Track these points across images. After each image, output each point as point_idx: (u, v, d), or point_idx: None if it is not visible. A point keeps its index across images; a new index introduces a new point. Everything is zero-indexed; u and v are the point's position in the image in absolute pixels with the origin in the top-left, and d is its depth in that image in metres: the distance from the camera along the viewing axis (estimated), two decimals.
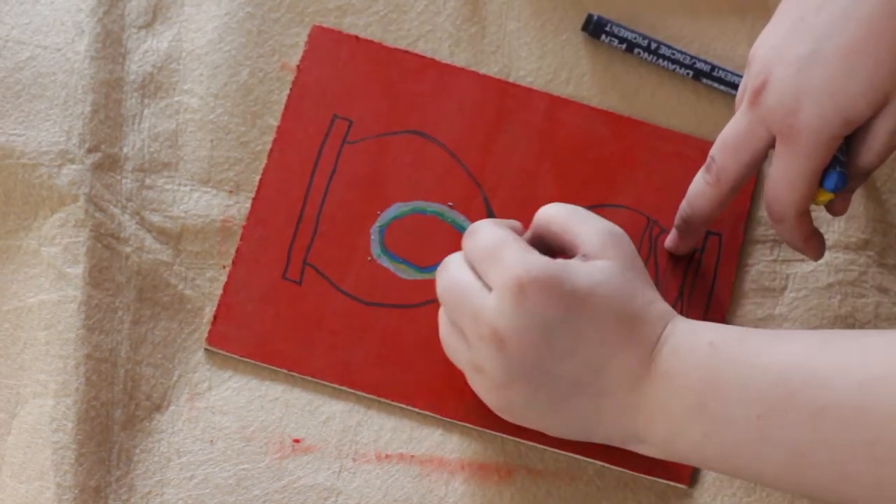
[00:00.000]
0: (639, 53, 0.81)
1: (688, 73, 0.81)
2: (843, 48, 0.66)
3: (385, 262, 0.75)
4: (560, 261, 0.65)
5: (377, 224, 0.76)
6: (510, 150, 0.78)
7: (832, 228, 0.79)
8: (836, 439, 0.59)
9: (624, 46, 0.81)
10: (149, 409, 0.71)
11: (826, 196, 0.70)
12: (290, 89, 0.78)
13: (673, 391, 0.64)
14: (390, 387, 0.72)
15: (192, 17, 0.80)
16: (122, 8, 0.78)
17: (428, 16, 0.81)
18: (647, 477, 0.73)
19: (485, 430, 0.72)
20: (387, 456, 0.72)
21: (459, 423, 0.73)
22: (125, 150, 0.75)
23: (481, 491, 0.72)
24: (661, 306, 0.66)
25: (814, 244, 0.72)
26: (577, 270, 0.64)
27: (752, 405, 0.62)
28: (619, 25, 0.81)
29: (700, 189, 0.73)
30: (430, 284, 0.74)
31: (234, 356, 0.72)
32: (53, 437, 0.68)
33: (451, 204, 0.77)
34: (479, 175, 0.77)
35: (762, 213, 0.79)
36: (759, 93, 0.68)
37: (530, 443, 0.72)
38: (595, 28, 0.81)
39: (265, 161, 0.76)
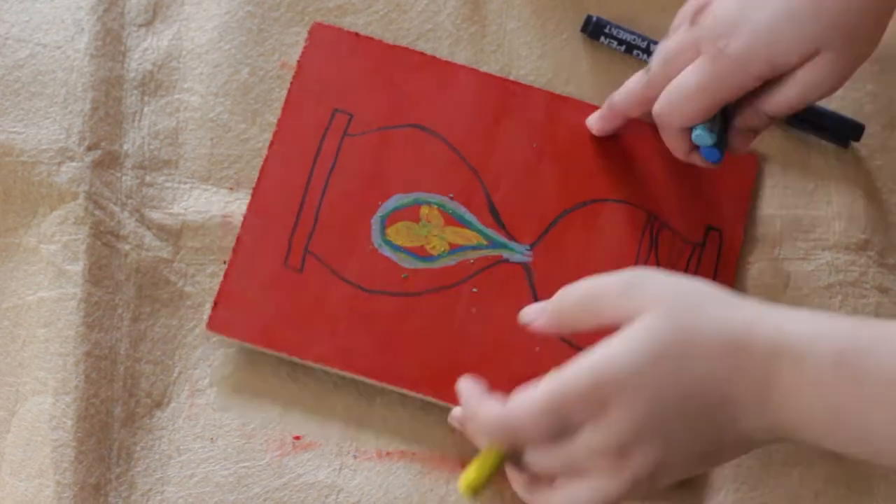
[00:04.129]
0: (638, 55, 0.81)
1: None
2: None
3: (387, 252, 0.75)
4: (599, 352, 0.58)
5: (378, 214, 0.76)
6: (510, 145, 0.78)
7: (833, 228, 0.79)
8: None
9: (623, 48, 0.81)
10: (149, 406, 0.71)
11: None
12: (291, 84, 0.78)
13: (804, 410, 0.58)
14: (392, 373, 0.72)
15: (192, 16, 0.79)
16: (122, 6, 0.78)
17: (428, 15, 0.81)
18: None
19: None
20: (388, 453, 0.72)
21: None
22: (125, 147, 0.75)
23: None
24: (741, 313, 0.59)
25: (698, 159, 0.73)
26: (620, 349, 0.58)
27: (890, 418, 0.56)
28: (618, 27, 0.81)
29: (632, 85, 0.74)
30: (432, 273, 0.74)
31: (236, 341, 0.72)
32: (53, 434, 0.68)
33: (451, 195, 0.76)
34: (479, 168, 0.77)
35: (763, 211, 0.79)
36: (699, 12, 0.69)
37: None
38: (594, 29, 0.81)
39: (266, 153, 0.76)
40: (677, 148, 0.73)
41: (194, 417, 0.71)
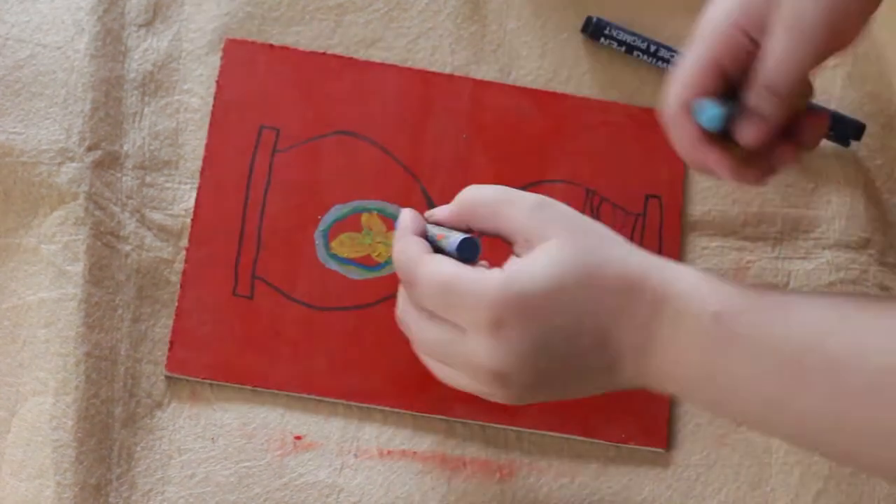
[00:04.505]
0: (638, 55, 0.81)
1: None
2: None
3: (333, 266, 0.75)
4: (511, 272, 0.60)
5: (320, 228, 0.75)
6: (440, 138, 0.78)
7: (833, 227, 0.79)
8: (852, 423, 0.57)
9: (623, 49, 0.81)
10: (149, 406, 0.71)
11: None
12: (213, 105, 0.77)
13: (678, 363, 0.60)
14: (357, 389, 0.72)
15: (192, 17, 0.79)
16: (122, 6, 0.78)
17: (429, 14, 0.81)
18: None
19: (458, 419, 0.73)
20: (389, 453, 0.72)
21: (430, 416, 0.73)
22: (125, 147, 0.75)
23: (483, 488, 0.72)
24: (637, 258, 0.61)
25: (710, 156, 0.66)
26: (533, 274, 0.59)
27: (761, 384, 0.59)
28: (618, 28, 0.81)
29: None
30: (382, 282, 0.74)
31: (196, 380, 0.72)
32: (53, 434, 0.68)
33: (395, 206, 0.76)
34: (413, 167, 0.77)
35: (764, 209, 0.79)
36: None
37: (503, 426, 0.73)
38: (594, 30, 0.81)
39: (198, 181, 0.76)
40: (682, 134, 0.66)
41: (195, 417, 0.71)
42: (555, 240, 0.60)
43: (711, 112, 0.64)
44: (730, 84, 0.65)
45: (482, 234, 0.64)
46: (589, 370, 0.62)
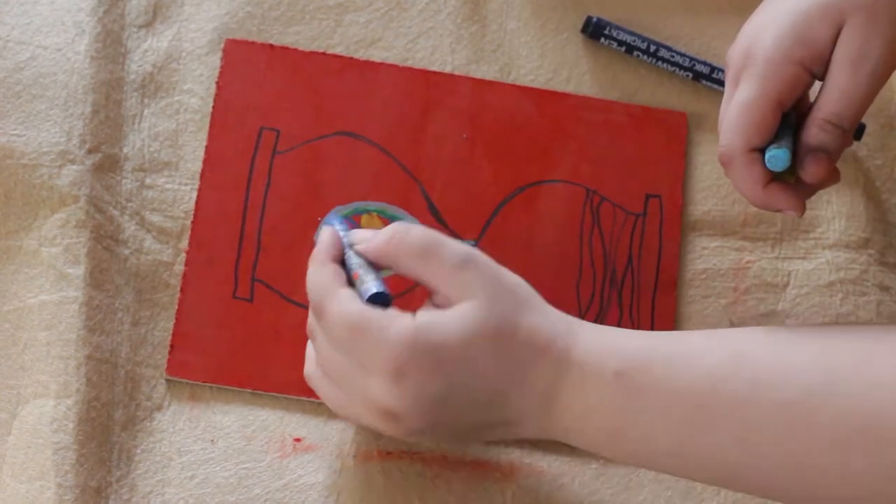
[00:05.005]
0: (638, 55, 0.81)
1: (687, 75, 0.81)
2: None
3: None
4: (423, 323, 0.60)
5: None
6: (441, 138, 0.78)
7: (833, 227, 0.79)
8: (762, 458, 0.59)
9: (623, 49, 0.81)
10: (149, 409, 0.71)
11: (789, 176, 0.66)
12: (213, 107, 0.77)
13: (583, 423, 0.62)
14: None
15: (192, 17, 0.79)
16: (122, 7, 0.78)
17: (429, 14, 0.81)
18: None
19: None
20: (388, 454, 0.72)
21: None
22: (125, 150, 0.75)
23: (483, 489, 0.72)
24: (549, 328, 0.62)
25: (780, 197, 0.67)
26: (444, 329, 0.60)
27: (671, 432, 0.60)
28: (618, 28, 0.81)
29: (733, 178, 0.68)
30: (385, 284, 0.74)
31: (196, 383, 0.72)
32: (54, 437, 0.68)
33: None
34: (413, 168, 0.77)
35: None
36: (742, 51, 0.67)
37: None
38: (594, 30, 0.81)
39: (198, 182, 0.76)
40: (749, 179, 0.66)
41: (195, 419, 0.72)
42: (473, 301, 0.61)
43: (780, 154, 0.65)
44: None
45: (404, 275, 0.64)
46: (485, 424, 0.63)
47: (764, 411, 0.58)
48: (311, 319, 0.66)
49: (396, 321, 0.60)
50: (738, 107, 0.65)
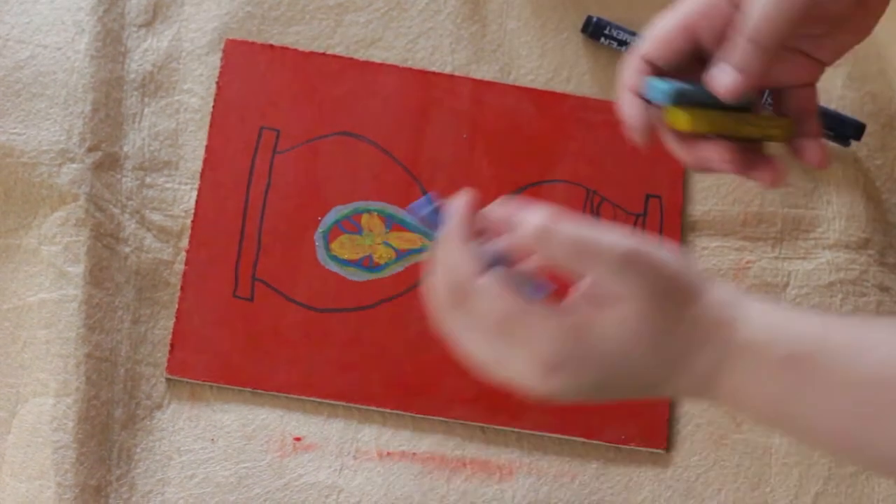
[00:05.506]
0: None
1: None
2: None
3: (333, 267, 0.75)
4: (585, 323, 0.57)
5: (320, 230, 0.75)
6: (440, 138, 0.78)
7: (833, 227, 0.79)
8: None
9: (623, 48, 0.81)
10: (149, 407, 0.71)
11: (674, 116, 0.62)
12: (213, 106, 0.77)
13: (746, 405, 0.59)
14: (357, 391, 0.72)
15: (192, 17, 0.79)
16: (122, 6, 0.78)
17: (429, 14, 0.81)
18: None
19: (458, 420, 0.73)
20: (388, 454, 0.72)
21: (430, 417, 0.73)
22: (125, 148, 0.75)
23: (483, 489, 0.72)
24: (712, 314, 0.58)
25: (631, 109, 0.64)
26: (604, 332, 0.57)
27: (837, 420, 0.57)
28: (618, 27, 0.81)
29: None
30: (382, 284, 0.74)
31: (196, 382, 0.72)
32: (54, 436, 0.68)
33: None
34: (413, 168, 0.77)
35: (764, 210, 0.79)
36: None
37: (503, 427, 0.73)
38: (594, 30, 0.81)
39: (198, 182, 0.76)
40: (624, 77, 0.65)
41: (195, 419, 0.72)
42: (633, 304, 0.57)
43: (658, 85, 0.61)
44: (699, 58, 0.63)
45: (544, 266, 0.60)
46: (640, 395, 0.60)
47: None
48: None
49: (555, 316, 0.57)
50: (644, 35, 0.64)
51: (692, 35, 0.63)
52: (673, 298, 0.58)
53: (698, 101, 0.62)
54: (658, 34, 0.63)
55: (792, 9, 0.61)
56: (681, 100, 0.61)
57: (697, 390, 0.59)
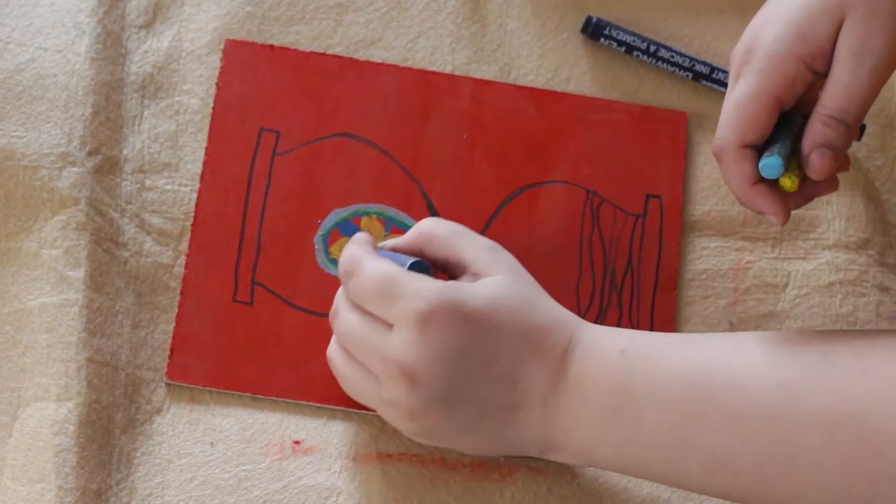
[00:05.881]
0: (638, 56, 0.81)
1: (687, 75, 0.81)
2: None
3: (333, 271, 0.75)
4: (453, 283, 0.64)
5: (319, 233, 0.75)
6: (441, 139, 0.78)
7: (833, 228, 0.79)
8: (755, 443, 0.60)
9: (623, 49, 0.81)
10: (149, 412, 0.72)
11: (787, 181, 0.65)
12: (213, 107, 0.77)
13: (586, 398, 0.64)
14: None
15: (192, 17, 0.79)
16: (123, 8, 0.78)
17: (429, 13, 0.81)
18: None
19: None
20: (387, 456, 0.72)
21: None
22: (125, 152, 0.75)
23: (482, 490, 0.72)
24: (562, 313, 0.66)
25: (764, 200, 0.66)
26: (473, 291, 0.64)
27: (666, 411, 0.62)
28: (618, 28, 0.81)
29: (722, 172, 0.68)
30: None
31: (197, 387, 0.72)
32: (55, 440, 0.68)
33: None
34: (413, 169, 0.77)
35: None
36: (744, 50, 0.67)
37: None
38: (594, 30, 0.81)
39: (198, 184, 0.76)
40: (738, 175, 0.66)
41: (194, 422, 0.72)
42: (499, 276, 0.66)
43: (772, 163, 0.64)
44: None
45: (433, 262, 0.68)
46: (494, 406, 0.65)
47: (759, 394, 0.60)
48: (336, 300, 0.68)
49: (427, 280, 0.64)
50: (735, 101, 0.65)
51: (779, 107, 0.65)
52: (530, 285, 0.67)
53: (786, 153, 0.65)
54: (750, 116, 0.65)
55: (874, 81, 0.64)
56: (786, 164, 0.65)
57: (544, 394, 0.65)
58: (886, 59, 0.64)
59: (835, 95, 0.64)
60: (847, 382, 0.59)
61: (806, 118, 0.67)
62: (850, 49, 0.64)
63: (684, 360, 0.63)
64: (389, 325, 0.64)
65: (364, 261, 0.65)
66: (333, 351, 0.69)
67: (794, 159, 0.65)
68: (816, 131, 0.64)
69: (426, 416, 0.65)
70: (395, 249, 0.69)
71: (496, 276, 0.65)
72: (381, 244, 0.69)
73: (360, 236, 0.68)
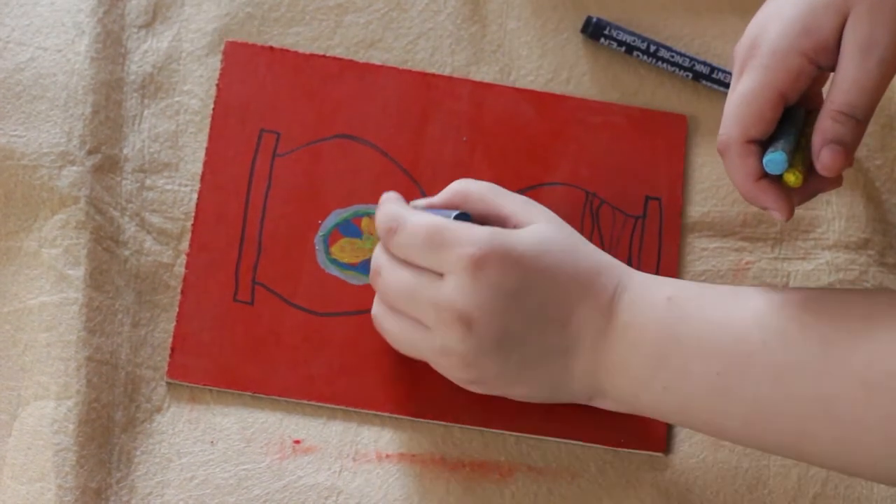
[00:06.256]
0: (638, 56, 0.81)
1: (687, 75, 0.81)
2: None
3: (334, 271, 0.75)
4: (501, 229, 0.66)
5: (320, 233, 0.75)
6: (441, 141, 0.78)
7: (832, 228, 0.79)
8: (796, 397, 0.61)
9: (623, 49, 0.81)
10: (149, 410, 0.72)
11: (791, 176, 0.65)
12: (213, 109, 0.77)
13: (633, 344, 0.65)
14: (357, 395, 0.72)
15: (192, 17, 0.80)
16: (122, 7, 0.78)
17: (429, 14, 0.81)
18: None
19: (457, 424, 0.73)
20: (387, 455, 0.72)
21: (430, 421, 0.73)
22: (125, 151, 0.75)
23: (482, 489, 0.72)
24: (606, 256, 0.68)
25: (768, 196, 0.66)
26: (521, 235, 0.65)
27: (711, 361, 0.63)
28: (618, 28, 0.81)
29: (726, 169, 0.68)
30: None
31: (197, 386, 0.72)
32: (54, 438, 0.68)
33: None
34: (413, 171, 0.77)
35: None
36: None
37: (497, 431, 0.73)
38: (594, 30, 0.81)
39: (198, 185, 0.76)
40: (742, 171, 0.66)
41: (194, 421, 0.72)
42: (542, 223, 0.67)
43: (776, 158, 0.64)
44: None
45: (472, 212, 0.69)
46: (546, 349, 0.66)
47: (802, 349, 0.61)
48: (376, 260, 0.69)
49: (476, 227, 0.65)
50: (739, 97, 0.65)
51: (783, 102, 0.65)
52: (573, 232, 0.69)
53: (790, 149, 0.65)
54: (754, 112, 0.65)
55: (882, 74, 0.64)
56: (791, 159, 0.65)
57: (594, 338, 0.65)
58: (893, 52, 0.63)
59: (843, 90, 0.64)
60: (889, 343, 0.59)
61: (810, 113, 0.67)
62: (857, 43, 0.63)
63: (730, 311, 0.64)
64: (439, 275, 0.65)
65: (407, 215, 0.66)
66: (379, 311, 0.69)
67: (799, 155, 0.65)
68: (826, 127, 0.64)
69: (481, 361, 0.65)
70: (432, 203, 0.70)
71: (539, 224, 0.67)
72: (413, 203, 0.70)
73: (391, 195, 0.69)
